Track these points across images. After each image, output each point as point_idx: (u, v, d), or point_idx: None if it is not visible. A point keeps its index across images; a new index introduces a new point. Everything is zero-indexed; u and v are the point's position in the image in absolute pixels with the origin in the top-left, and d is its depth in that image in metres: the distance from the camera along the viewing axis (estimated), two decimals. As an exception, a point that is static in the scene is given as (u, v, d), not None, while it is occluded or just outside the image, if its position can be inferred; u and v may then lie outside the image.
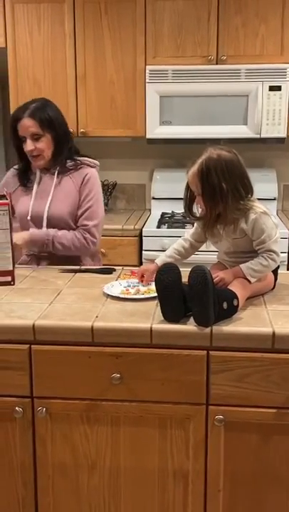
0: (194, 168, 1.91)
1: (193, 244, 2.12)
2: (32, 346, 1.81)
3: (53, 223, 2.40)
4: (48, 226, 2.39)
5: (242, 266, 1.93)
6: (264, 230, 1.92)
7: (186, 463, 1.85)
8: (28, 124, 2.36)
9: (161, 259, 2.10)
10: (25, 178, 2.50)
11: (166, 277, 1.77)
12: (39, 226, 2.41)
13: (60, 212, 2.40)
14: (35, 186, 2.46)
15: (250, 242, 1.96)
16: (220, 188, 1.87)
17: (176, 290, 1.76)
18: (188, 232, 2.14)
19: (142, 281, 2.10)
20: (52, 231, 2.37)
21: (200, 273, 1.71)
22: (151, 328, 1.76)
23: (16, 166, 2.56)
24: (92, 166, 2.49)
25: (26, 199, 2.46)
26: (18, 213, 2.47)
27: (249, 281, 1.91)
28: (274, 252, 1.93)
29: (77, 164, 2.46)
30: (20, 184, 2.51)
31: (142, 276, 2.11)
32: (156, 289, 1.80)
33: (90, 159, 2.50)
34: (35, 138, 2.37)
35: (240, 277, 1.91)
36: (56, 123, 2.41)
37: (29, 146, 2.37)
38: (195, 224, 2.12)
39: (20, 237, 2.33)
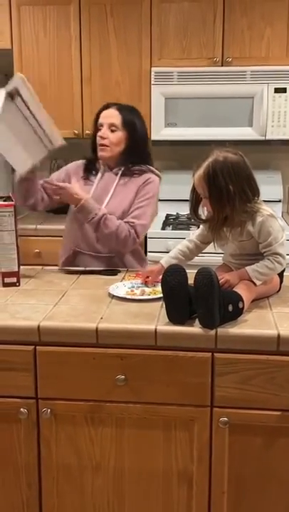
0: (201, 171, 1.90)
1: (199, 246, 2.12)
2: (37, 347, 1.81)
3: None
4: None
5: (247, 268, 1.92)
6: (271, 232, 1.91)
7: (190, 465, 1.84)
8: (111, 114, 2.42)
9: (165, 259, 2.10)
10: (90, 171, 2.52)
11: (172, 279, 1.77)
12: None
13: (115, 211, 2.38)
14: (96, 181, 2.47)
15: (256, 245, 1.96)
16: (227, 191, 1.86)
17: (182, 292, 1.76)
18: (194, 233, 2.14)
19: (147, 282, 2.10)
20: (105, 210, 2.35)
21: (206, 275, 1.71)
22: (156, 329, 1.76)
23: (81, 161, 2.59)
24: (156, 175, 2.50)
25: (84, 191, 2.41)
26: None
27: (255, 283, 1.91)
28: (280, 254, 1.93)
29: (143, 171, 2.47)
30: (84, 176, 2.52)
31: (147, 277, 2.11)
32: (162, 290, 1.80)
33: (156, 170, 2.52)
34: (112, 129, 2.41)
35: (246, 280, 1.91)
36: (137, 127, 2.45)
37: (103, 132, 2.41)
38: (201, 225, 2.12)
39: (80, 191, 2.32)
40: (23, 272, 2.20)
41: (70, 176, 2.51)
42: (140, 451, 1.85)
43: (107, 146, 2.42)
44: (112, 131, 2.41)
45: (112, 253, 2.44)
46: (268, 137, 3.52)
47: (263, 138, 3.53)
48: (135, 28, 3.54)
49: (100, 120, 2.44)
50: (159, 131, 3.60)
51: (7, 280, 2.15)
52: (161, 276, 1.99)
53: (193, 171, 1.94)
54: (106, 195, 2.43)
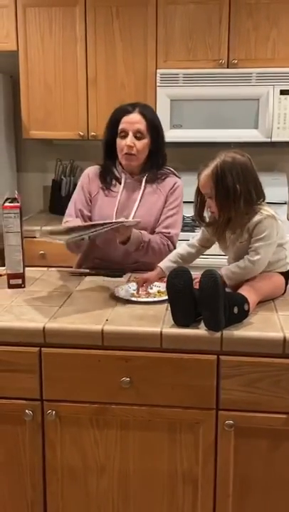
0: (208, 170, 1.90)
1: (199, 249, 2.12)
2: (42, 349, 1.81)
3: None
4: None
5: (222, 269, 1.91)
6: (264, 231, 1.89)
7: (195, 468, 1.84)
8: (136, 119, 2.27)
9: (164, 263, 2.09)
10: (108, 180, 2.39)
11: (177, 281, 1.76)
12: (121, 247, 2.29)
13: (144, 222, 2.27)
14: (120, 191, 2.35)
15: None
16: (234, 191, 1.86)
17: (187, 294, 1.76)
18: (195, 236, 2.13)
19: (143, 287, 2.07)
20: (146, 234, 2.26)
21: (211, 277, 1.71)
22: (161, 332, 1.75)
23: (95, 167, 2.46)
24: (178, 177, 2.43)
25: (109, 204, 2.34)
26: (100, 217, 2.31)
27: (258, 285, 1.90)
28: (259, 254, 1.88)
29: (166, 174, 2.39)
30: (102, 186, 2.39)
31: (144, 283, 2.08)
32: (168, 292, 1.79)
33: (175, 171, 2.44)
34: (138, 136, 2.28)
35: (251, 282, 1.90)
36: (159, 130, 2.35)
37: (130, 141, 2.26)
38: (202, 228, 2.11)
39: (123, 233, 2.18)
40: (28, 273, 2.20)
41: (91, 193, 2.40)
42: (145, 453, 1.85)
43: (134, 154, 2.30)
44: (138, 138, 2.28)
45: (139, 262, 2.35)
46: (274, 139, 3.51)
47: (268, 140, 3.52)
48: (141, 29, 3.54)
49: (124, 126, 2.28)
50: (165, 132, 3.57)
51: (12, 282, 2.14)
52: (161, 279, 1.99)
53: (199, 170, 1.94)
54: (132, 205, 2.33)
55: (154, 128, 2.32)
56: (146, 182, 2.36)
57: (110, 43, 3.59)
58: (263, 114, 3.49)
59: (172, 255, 2.12)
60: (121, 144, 2.29)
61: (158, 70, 3.54)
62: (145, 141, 2.30)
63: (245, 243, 1.94)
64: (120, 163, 2.38)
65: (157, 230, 2.34)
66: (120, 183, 2.38)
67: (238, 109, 3.52)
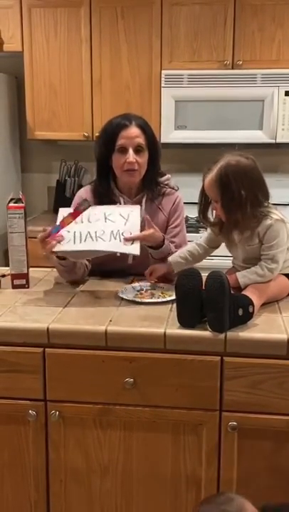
0: (212, 174, 1.89)
1: (207, 250, 2.11)
2: (46, 350, 1.81)
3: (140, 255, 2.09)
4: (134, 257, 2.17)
5: (238, 274, 1.92)
6: (276, 237, 1.90)
7: (198, 469, 1.84)
8: (135, 134, 2.13)
9: (173, 258, 2.09)
10: (105, 202, 2.19)
11: (187, 282, 1.76)
12: (125, 257, 2.21)
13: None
14: None
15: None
16: (239, 196, 1.85)
17: (195, 296, 1.75)
18: (202, 237, 2.13)
19: (150, 278, 2.09)
20: (170, 246, 2.17)
21: (217, 279, 1.71)
22: (165, 333, 1.75)
23: (87, 187, 2.31)
24: (176, 189, 2.34)
25: None
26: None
27: (263, 287, 1.90)
28: (276, 262, 1.90)
29: (164, 190, 2.29)
30: None
31: (151, 274, 2.11)
32: (176, 293, 1.78)
33: (170, 184, 2.33)
34: (138, 150, 2.14)
35: (255, 283, 1.90)
36: (157, 143, 2.24)
37: (132, 157, 2.13)
38: (208, 229, 2.11)
39: (157, 237, 2.11)
40: (32, 273, 2.21)
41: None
42: (148, 454, 1.85)
43: (136, 170, 2.16)
44: (138, 151, 2.14)
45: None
46: (278, 140, 3.51)
47: (273, 141, 3.51)
48: (146, 30, 3.54)
49: (123, 142, 2.12)
50: (169, 133, 3.59)
51: (16, 282, 2.15)
52: (167, 278, 1.99)
53: (204, 173, 1.93)
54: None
55: (153, 141, 2.21)
56: (146, 202, 2.24)
57: (115, 43, 3.59)
58: (268, 116, 3.49)
59: (182, 252, 2.12)
60: (120, 160, 2.15)
61: (163, 71, 3.54)
62: (146, 155, 2.18)
63: (256, 247, 1.94)
64: (114, 182, 2.25)
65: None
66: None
67: (243, 110, 3.51)
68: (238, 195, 1.85)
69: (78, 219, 2.06)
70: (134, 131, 2.14)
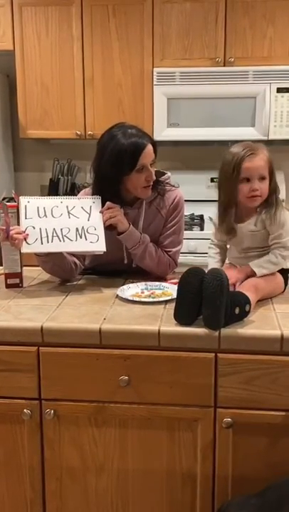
0: (263, 154, 1.99)
1: (222, 246, 2.14)
2: (40, 348, 1.81)
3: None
4: (130, 256, 2.26)
5: (251, 264, 1.96)
6: (284, 224, 1.96)
7: (194, 466, 1.84)
8: (150, 151, 2.18)
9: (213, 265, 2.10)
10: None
11: (191, 280, 1.75)
12: (121, 258, 2.27)
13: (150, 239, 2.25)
14: None
15: (266, 237, 1.99)
16: (275, 178, 2.02)
17: (196, 295, 1.74)
18: (213, 239, 2.15)
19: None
20: (148, 238, 2.23)
21: (217, 277, 1.71)
22: (159, 330, 1.76)
23: (87, 190, 2.33)
24: (176, 187, 2.35)
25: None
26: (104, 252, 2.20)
27: (261, 284, 1.92)
28: (287, 249, 1.97)
29: (164, 189, 2.30)
30: None
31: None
32: (178, 289, 1.77)
33: (171, 182, 2.35)
34: (151, 164, 2.20)
35: (257, 281, 1.93)
36: (155, 148, 2.26)
37: (153, 174, 2.20)
38: (212, 228, 2.13)
39: (124, 221, 2.17)
40: (25, 273, 2.20)
41: None
42: (144, 452, 1.85)
43: (151, 184, 2.22)
44: (151, 166, 2.20)
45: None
46: (271, 137, 3.52)
47: (265, 138, 3.52)
48: (137, 28, 3.55)
49: (145, 161, 2.16)
50: (162, 131, 3.59)
51: (10, 281, 2.14)
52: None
53: (244, 155, 1.97)
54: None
55: (155, 153, 2.25)
56: (145, 204, 2.27)
57: (107, 41, 3.59)
58: (260, 112, 3.50)
59: (213, 262, 2.12)
60: (141, 178, 2.18)
61: (155, 69, 3.55)
62: (154, 165, 2.24)
63: (260, 233, 1.99)
64: (119, 195, 2.25)
65: (160, 244, 2.29)
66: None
67: (235, 107, 3.52)
68: (275, 178, 2.00)
69: (41, 213, 2.10)
70: (150, 148, 2.19)
